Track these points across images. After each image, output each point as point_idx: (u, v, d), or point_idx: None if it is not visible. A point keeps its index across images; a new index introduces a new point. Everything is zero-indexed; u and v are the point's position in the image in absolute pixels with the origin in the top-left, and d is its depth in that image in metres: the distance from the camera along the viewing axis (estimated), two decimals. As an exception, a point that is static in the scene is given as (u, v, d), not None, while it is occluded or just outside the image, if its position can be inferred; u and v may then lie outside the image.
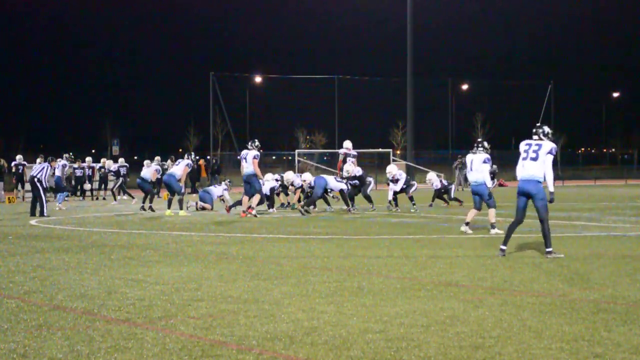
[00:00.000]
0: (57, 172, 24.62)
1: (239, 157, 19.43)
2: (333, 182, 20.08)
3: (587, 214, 18.50)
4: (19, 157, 30.09)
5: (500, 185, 38.33)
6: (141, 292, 7.44)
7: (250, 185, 18.29)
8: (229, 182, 22.32)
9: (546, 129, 10.04)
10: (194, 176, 33.57)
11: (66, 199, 25.03)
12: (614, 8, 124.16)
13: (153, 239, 13.07)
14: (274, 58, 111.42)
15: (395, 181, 20.62)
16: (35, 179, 19.40)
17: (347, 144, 22.43)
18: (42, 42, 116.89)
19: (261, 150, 18.73)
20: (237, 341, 5.42)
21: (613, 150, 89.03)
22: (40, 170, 19.61)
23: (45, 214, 18.94)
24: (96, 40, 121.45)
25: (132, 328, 5.85)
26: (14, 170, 29.81)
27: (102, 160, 30.83)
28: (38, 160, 23.10)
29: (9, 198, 28.02)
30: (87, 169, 30.42)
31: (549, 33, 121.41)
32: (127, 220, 17.72)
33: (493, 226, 13.42)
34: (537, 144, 9.95)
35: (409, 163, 41.55)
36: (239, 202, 19.28)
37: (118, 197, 26.88)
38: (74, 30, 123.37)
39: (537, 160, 9.84)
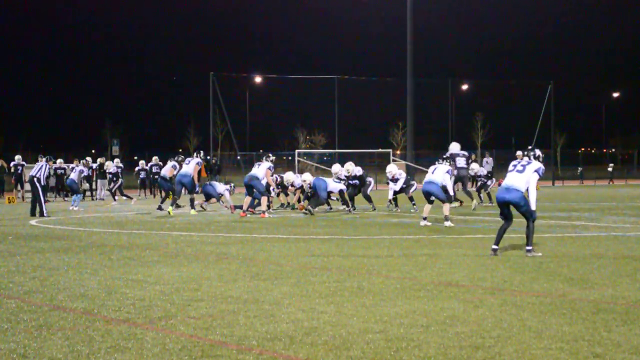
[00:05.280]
0: (74, 176, 24.77)
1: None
2: (332, 184, 20.11)
3: (587, 214, 18.49)
4: (17, 157, 30.10)
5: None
6: (141, 292, 7.44)
7: (253, 187, 18.47)
8: (233, 185, 22.37)
9: (537, 152, 10.55)
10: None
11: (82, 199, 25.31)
12: (614, 8, 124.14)
13: (153, 239, 13.06)
14: (274, 58, 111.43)
15: (395, 181, 20.63)
16: (35, 179, 19.41)
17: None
18: (42, 42, 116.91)
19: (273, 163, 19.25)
20: (237, 341, 5.41)
21: (613, 150, 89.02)
22: (39, 170, 19.63)
23: (45, 214, 18.93)
24: (96, 40, 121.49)
25: (132, 328, 5.85)
26: (12, 170, 29.84)
27: (99, 160, 30.81)
28: (39, 159, 23.12)
29: (8, 198, 28.02)
30: (86, 170, 30.41)
31: (549, 33, 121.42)
32: (127, 220, 17.72)
33: (446, 218, 15.19)
34: (527, 161, 10.35)
35: (409, 163, 41.51)
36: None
37: (117, 198, 26.87)
38: (74, 31, 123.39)
39: (522, 172, 10.18)
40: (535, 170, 10.13)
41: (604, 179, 53.03)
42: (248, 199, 18.82)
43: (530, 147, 10.79)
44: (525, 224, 10.18)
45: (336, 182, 20.35)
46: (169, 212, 19.10)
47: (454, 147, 22.61)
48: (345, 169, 20.84)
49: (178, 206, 20.88)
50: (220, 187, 21.45)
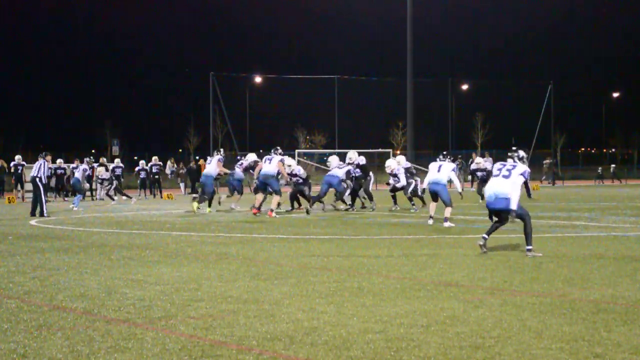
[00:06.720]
0: (78, 175, 24.81)
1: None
2: (339, 171, 20.16)
3: (587, 214, 18.49)
4: (17, 157, 30.11)
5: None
6: (141, 292, 7.44)
7: (268, 185, 18.48)
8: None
9: (521, 153, 10.82)
10: (193, 176, 33.54)
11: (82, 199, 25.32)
12: (614, 8, 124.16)
13: (153, 239, 13.07)
14: (274, 58, 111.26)
15: (395, 176, 20.62)
16: (37, 179, 19.41)
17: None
18: (41, 41, 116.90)
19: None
20: (237, 341, 5.41)
21: (613, 150, 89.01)
22: (39, 169, 19.63)
23: (45, 214, 18.93)
24: (96, 40, 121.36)
25: (132, 328, 5.85)
26: (12, 170, 29.83)
27: (101, 159, 30.78)
28: (39, 159, 23.10)
29: (8, 198, 28.01)
30: (89, 169, 30.37)
31: (549, 33, 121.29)
32: (127, 220, 17.72)
33: (446, 220, 15.02)
34: (512, 165, 10.30)
35: (408, 163, 41.42)
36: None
37: (115, 198, 26.84)
38: (73, 30, 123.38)
39: (509, 178, 10.15)
40: (521, 174, 10.11)
41: (603, 179, 52.96)
42: (260, 197, 18.80)
43: (514, 148, 10.77)
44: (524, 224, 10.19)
45: (340, 168, 20.27)
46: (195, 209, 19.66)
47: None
48: (348, 157, 20.88)
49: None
50: (237, 171, 21.36)
